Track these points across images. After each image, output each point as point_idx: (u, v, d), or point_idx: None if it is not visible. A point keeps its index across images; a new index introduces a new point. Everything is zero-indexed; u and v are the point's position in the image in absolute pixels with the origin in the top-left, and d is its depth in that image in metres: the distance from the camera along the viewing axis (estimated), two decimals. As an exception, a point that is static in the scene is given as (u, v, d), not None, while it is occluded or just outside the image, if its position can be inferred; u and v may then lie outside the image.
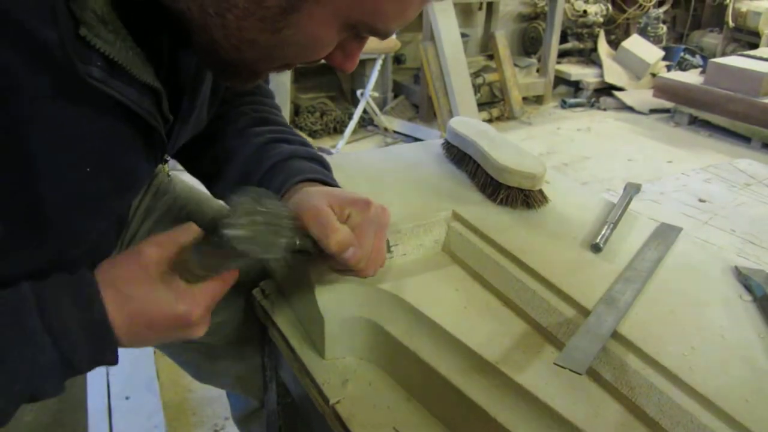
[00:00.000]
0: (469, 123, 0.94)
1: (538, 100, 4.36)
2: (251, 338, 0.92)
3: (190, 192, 0.95)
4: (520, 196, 0.81)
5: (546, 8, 4.36)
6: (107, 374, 1.73)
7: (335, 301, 0.70)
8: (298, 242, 0.58)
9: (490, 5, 4.46)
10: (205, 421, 1.66)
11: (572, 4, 4.53)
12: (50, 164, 0.49)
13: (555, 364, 0.55)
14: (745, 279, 0.69)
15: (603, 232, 0.75)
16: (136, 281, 0.54)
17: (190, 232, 0.58)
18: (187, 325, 0.56)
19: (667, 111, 4.16)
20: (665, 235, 0.77)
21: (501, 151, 0.84)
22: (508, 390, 0.59)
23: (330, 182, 0.72)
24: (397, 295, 0.70)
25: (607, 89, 4.46)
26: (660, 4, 4.99)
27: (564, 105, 4.35)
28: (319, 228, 0.59)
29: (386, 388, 0.69)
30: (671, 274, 0.71)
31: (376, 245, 0.63)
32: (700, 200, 1.13)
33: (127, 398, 1.69)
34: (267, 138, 0.76)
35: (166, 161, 0.77)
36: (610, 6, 4.70)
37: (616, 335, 0.60)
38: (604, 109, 4.30)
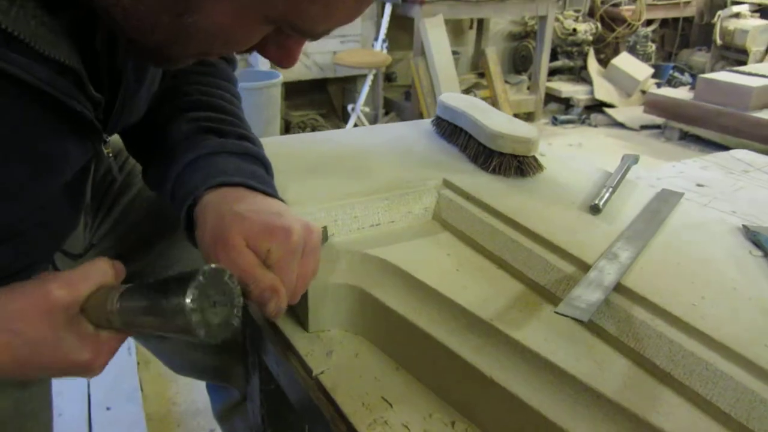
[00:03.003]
0: (459, 97, 0.91)
1: (529, 116, 4.36)
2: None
3: None
4: (513, 162, 0.77)
5: (536, 27, 4.38)
6: (88, 384, 1.67)
7: (318, 268, 0.66)
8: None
9: (480, 24, 4.49)
10: (191, 433, 1.60)
11: (562, 23, 4.57)
12: None
13: (556, 312, 0.51)
14: (753, 235, 0.65)
15: (602, 194, 0.71)
16: (37, 327, 0.47)
17: (104, 270, 0.51)
18: (86, 372, 0.50)
19: (657, 127, 4.17)
20: (667, 199, 0.74)
21: (493, 119, 0.81)
22: (504, 348, 0.54)
23: (256, 186, 0.63)
24: (385, 260, 0.65)
25: (597, 106, 4.47)
26: (648, 24, 5.04)
27: (555, 122, 4.35)
28: (240, 276, 0.52)
29: (373, 358, 0.64)
30: (675, 233, 0.67)
31: (302, 273, 0.57)
32: (698, 185, 1.09)
33: (108, 409, 1.63)
34: (199, 126, 0.67)
35: (107, 144, 0.70)
36: (599, 25, 4.74)
37: (619, 288, 0.56)
38: (595, 126, 4.31)
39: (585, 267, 0.59)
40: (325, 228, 0.67)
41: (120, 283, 0.52)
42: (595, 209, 0.69)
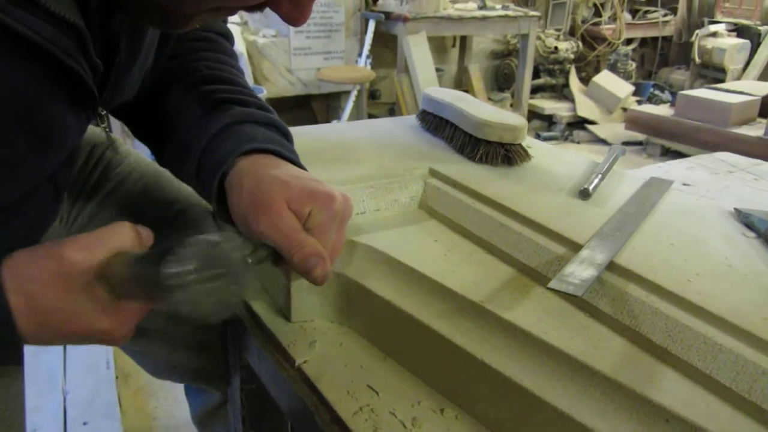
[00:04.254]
0: (445, 90, 0.90)
1: (513, 133, 4.38)
2: (213, 324, 0.84)
3: (147, 165, 0.88)
4: (500, 151, 0.76)
5: (518, 45, 4.43)
6: (64, 398, 1.62)
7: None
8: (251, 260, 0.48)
9: (463, 42, 4.52)
10: (172, 449, 1.55)
11: (543, 41, 4.62)
12: None
13: (548, 288, 0.49)
14: (746, 217, 0.63)
15: (591, 179, 0.69)
16: (55, 292, 0.45)
17: (124, 235, 0.48)
18: (108, 340, 0.48)
19: (639, 143, 4.21)
20: (657, 186, 0.72)
21: (479, 109, 0.79)
22: (496, 330, 0.52)
23: (286, 155, 0.62)
24: (371, 246, 0.63)
25: (579, 123, 4.51)
26: (628, 42, 5.12)
27: (538, 138, 4.38)
28: (282, 240, 0.51)
29: (359, 348, 0.62)
30: (667, 216, 0.66)
31: (335, 241, 0.55)
32: (684, 184, 1.09)
33: (84, 424, 1.58)
34: (218, 97, 0.65)
35: (102, 118, 0.68)
36: (580, 43, 4.81)
37: (612, 266, 0.54)
38: (578, 142, 4.34)
39: (576, 248, 0.58)
40: None
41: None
42: (584, 194, 0.68)
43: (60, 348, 1.76)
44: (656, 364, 0.47)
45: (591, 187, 0.68)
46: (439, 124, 0.87)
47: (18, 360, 0.47)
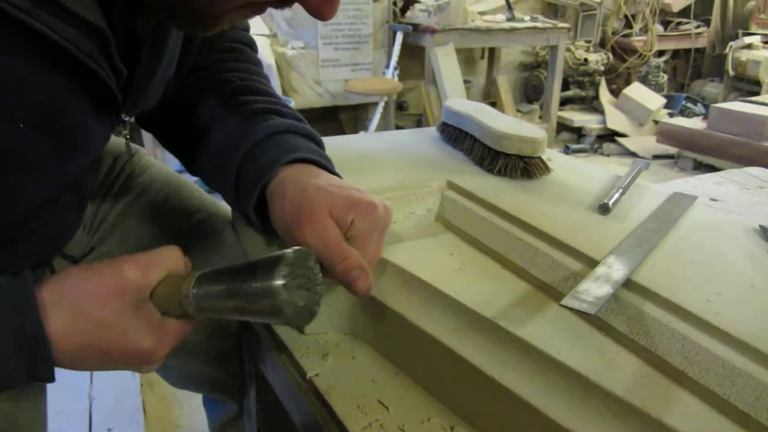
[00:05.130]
0: (465, 102, 0.89)
1: (541, 145, 4.35)
2: (230, 333, 0.84)
3: (169, 175, 0.89)
4: (519, 164, 0.75)
5: (547, 57, 4.40)
6: (89, 404, 1.65)
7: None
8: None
9: (492, 53, 4.51)
10: (195, 457, 1.56)
11: (573, 53, 4.58)
12: None
13: (561, 305, 0.48)
14: (772, 235, 0.62)
15: (611, 194, 0.68)
16: (108, 306, 0.46)
17: (176, 258, 0.50)
18: (147, 362, 0.49)
19: (671, 157, 4.13)
20: (679, 201, 0.71)
21: (498, 121, 0.79)
22: (508, 347, 0.51)
23: (326, 165, 0.63)
24: (385, 258, 0.63)
25: (609, 135, 4.45)
26: (660, 54, 5.04)
27: (567, 151, 4.33)
28: (324, 251, 0.52)
29: (372, 362, 0.61)
30: (689, 232, 0.64)
31: (376, 252, 0.56)
32: (712, 199, 1.06)
33: (109, 430, 1.60)
34: (257, 108, 0.67)
35: (125, 124, 0.69)
36: (610, 55, 4.75)
37: (629, 284, 0.53)
38: (608, 155, 4.28)
39: (593, 264, 0.56)
40: None
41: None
42: (604, 208, 0.66)
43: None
44: (672, 386, 0.46)
45: (611, 202, 0.66)
46: (459, 136, 0.86)
47: (51, 378, 0.47)
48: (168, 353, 0.50)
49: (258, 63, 0.77)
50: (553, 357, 0.48)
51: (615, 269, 0.53)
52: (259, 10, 0.51)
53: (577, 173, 0.80)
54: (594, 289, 0.50)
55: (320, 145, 0.67)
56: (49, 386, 0.69)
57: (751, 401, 0.42)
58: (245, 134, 0.64)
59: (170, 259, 0.50)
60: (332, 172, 0.63)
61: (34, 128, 0.45)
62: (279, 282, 0.44)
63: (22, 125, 0.44)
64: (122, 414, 1.64)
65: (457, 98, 3.20)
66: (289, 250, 0.46)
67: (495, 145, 0.76)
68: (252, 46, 0.78)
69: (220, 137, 0.66)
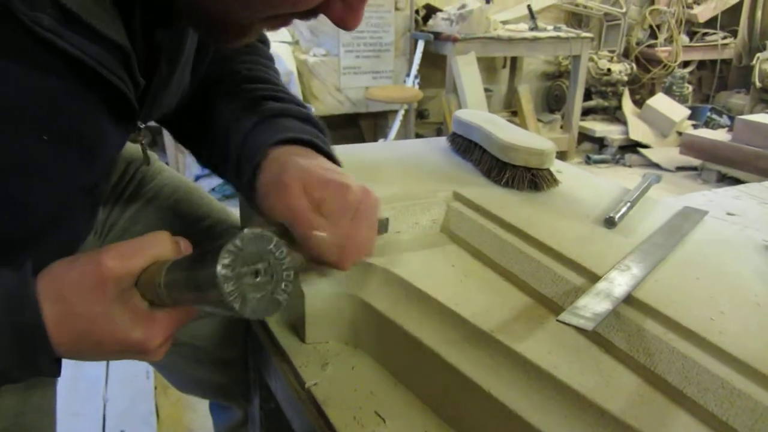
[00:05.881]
0: (475, 113, 0.89)
1: (562, 155, 4.31)
2: (236, 340, 0.85)
3: (179, 181, 0.90)
4: (527, 175, 0.74)
5: (570, 66, 4.37)
6: (104, 406, 1.66)
7: (317, 276, 0.63)
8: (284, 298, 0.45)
9: (514, 62, 4.49)
10: (207, 460, 1.56)
11: (596, 63, 4.54)
12: (3, 126, 0.43)
13: (558, 320, 0.47)
14: (782, 252, 0.60)
15: (618, 208, 0.67)
16: (89, 299, 0.45)
17: (162, 243, 0.48)
18: (142, 352, 0.48)
19: (694, 169, 4.07)
20: (689, 216, 0.69)
21: (506, 132, 0.78)
22: (505, 361, 0.51)
23: (320, 145, 0.63)
24: (386, 269, 0.63)
25: (632, 146, 4.40)
26: (685, 65, 4.98)
27: (588, 161, 4.29)
28: (292, 219, 0.53)
29: (371, 372, 0.61)
30: (696, 248, 0.63)
31: (351, 233, 0.54)
32: (729, 213, 1.04)
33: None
34: (256, 95, 0.68)
35: (140, 131, 0.70)
36: (634, 65, 4.70)
37: (631, 300, 0.52)
38: (630, 166, 4.23)
39: (595, 279, 0.55)
40: (386, 219, 0.62)
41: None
42: (609, 222, 0.65)
43: (103, 357, 1.80)
44: (670, 406, 0.45)
45: (617, 216, 0.65)
46: (468, 147, 0.86)
47: (56, 372, 0.47)
48: (165, 343, 0.49)
49: (269, 57, 0.79)
50: (549, 372, 0.47)
51: (617, 285, 0.53)
52: (285, 21, 0.52)
53: (585, 186, 0.79)
54: (593, 305, 0.49)
55: (318, 128, 0.67)
56: (64, 387, 0.70)
57: (750, 423, 0.41)
58: (243, 121, 0.65)
59: (156, 244, 0.47)
60: (328, 153, 0.63)
61: (56, 139, 0.47)
62: (221, 270, 0.38)
63: (45, 137, 0.45)
64: (136, 416, 1.65)
65: (475, 108, 3.19)
66: (242, 232, 0.40)
67: (502, 157, 0.76)
68: (265, 41, 0.80)
69: (222, 127, 0.67)
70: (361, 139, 4.05)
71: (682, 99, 4.68)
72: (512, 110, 4.31)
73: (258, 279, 0.41)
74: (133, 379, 1.75)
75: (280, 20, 0.51)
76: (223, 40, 0.54)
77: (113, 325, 0.45)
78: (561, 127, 4.38)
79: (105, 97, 0.49)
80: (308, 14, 0.50)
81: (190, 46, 0.63)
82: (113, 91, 0.49)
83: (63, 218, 0.57)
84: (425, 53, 3.65)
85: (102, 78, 0.46)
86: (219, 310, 0.42)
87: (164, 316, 0.48)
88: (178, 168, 2.98)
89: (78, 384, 1.69)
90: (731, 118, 4.46)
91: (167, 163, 1.11)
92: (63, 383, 0.72)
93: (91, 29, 0.44)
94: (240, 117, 0.66)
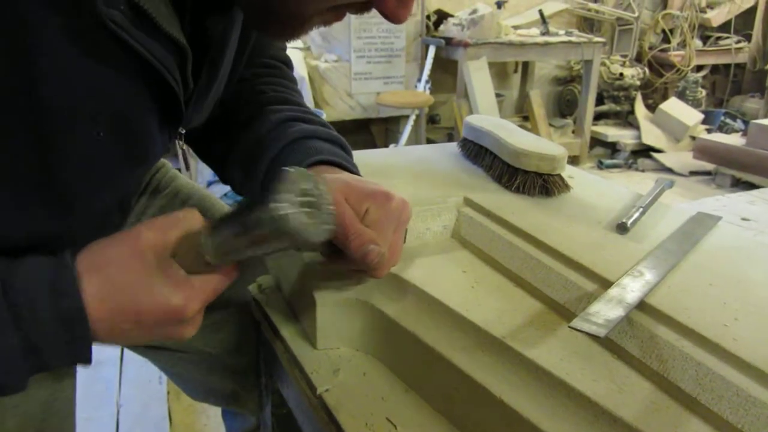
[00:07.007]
0: (486, 118, 0.89)
1: (574, 160, 4.29)
2: (248, 347, 0.85)
3: (192, 188, 0.91)
4: (538, 181, 0.74)
5: (581, 71, 4.36)
6: (117, 411, 1.67)
7: (328, 282, 0.63)
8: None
9: (525, 67, 4.49)
10: (221, 466, 1.56)
11: (608, 67, 4.53)
12: (65, 121, 0.44)
13: (570, 327, 0.47)
14: (797, 258, 0.59)
15: (631, 214, 0.67)
16: (130, 268, 0.46)
17: (195, 217, 0.50)
18: (179, 321, 0.49)
19: (708, 173, 4.04)
20: (703, 221, 0.69)
21: (517, 138, 0.78)
22: (517, 367, 0.50)
23: (349, 167, 0.65)
24: (397, 275, 0.62)
25: (644, 151, 4.37)
26: (698, 69, 4.95)
27: (601, 166, 4.27)
28: (340, 230, 0.53)
29: (382, 379, 0.61)
30: (710, 254, 0.62)
31: (393, 243, 0.56)
32: (743, 219, 1.03)
33: (135, 436, 1.62)
34: (285, 116, 0.69)
35: (181, 136, 0.71)
36: (647, 70, 4.68)
37: (643, 306, 0.52)
38: (642, 171, 4.20)
39: (607, 285, 0.55)
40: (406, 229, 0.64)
41: None
42: (622, 228, 0.65)
43: (117, 361, 1.82)
44: (683, 413, 0.44)
45: (629, 222, 0.65)
46: (478, 152, 0.86)
47: (87, 358, 0.47)
48: (200, 310, 0.50)
49: (293, 79, 0.81)
50: (561, 379, 0.47)
51: (629, 291, 0.52)
52: (339, 16, 0.52)
53: (597, 191, 0.79)
54: (606, 311, 0.49)
55: (346, 149, 0.69)
56: (79, 392, 0.70)
57: (765, 430, 0.41)
58: (273, 140, 0.66)
59: (188, 218, 0.50)
60: (355, 174, 0.65)
61: (111, 135, 0.47)
62: (284, 196, 0.42)
63: (101, 133, 0.46)
64: (149, 421, 1.66)
65: (486, 113, 3.19)
66: (289, 169, 0.44)
67: (513, 162, 0.76)
68: (288, 63, 0.82)
69: (250, 145, 0.69)
70: (372, 144, 4.06)
71: (695, 103, 4.65)
72: (524, 115, 4.30)
73: (309, 210, 0.44)
74: (146, 384, 1.76)
75: (335, 14, 0.52)
76: (278, 33, 0.55)
77: (153, 292, 0.47)
78: (573, 132, 4.36)
79: (158, 98, 0.50)
80: (363, 7, 0.51)
81: (229, 55, 0.64)
82: (166, 92, 0.50)
83: (102, 225, 0.57)
84: (436, 58, 3.66)
85: (160, 78, 0.47)
86: (276, 245, 0.45)
87: (202, 282, 0.49)
88: (190, 175, 3.00)
89: (92, 388, 1.70)
90: (745, 123, 4.43)
91: (179, 170, 1.12)
92: (77, 387, 0.72)
93: (155, 26, 0.45)
94: (270, 137, 0.67)
